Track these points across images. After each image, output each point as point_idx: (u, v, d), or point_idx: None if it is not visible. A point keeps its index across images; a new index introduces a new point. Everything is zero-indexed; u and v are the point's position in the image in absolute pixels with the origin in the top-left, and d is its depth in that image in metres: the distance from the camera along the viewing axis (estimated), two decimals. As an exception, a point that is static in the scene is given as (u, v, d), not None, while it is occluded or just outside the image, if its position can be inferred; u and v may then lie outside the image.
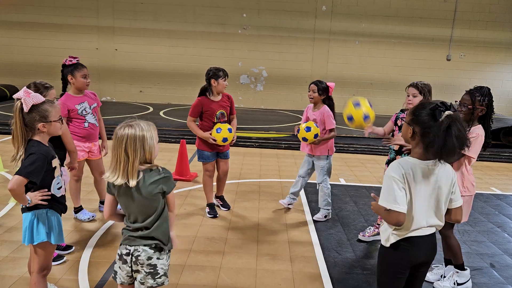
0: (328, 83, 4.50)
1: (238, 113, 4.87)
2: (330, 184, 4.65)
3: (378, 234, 4.16)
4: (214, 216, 4.62)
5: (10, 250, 3.60)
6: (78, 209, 4.33)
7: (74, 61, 4.07)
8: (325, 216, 4.63)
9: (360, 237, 4.19)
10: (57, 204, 2.59)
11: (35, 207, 2.51)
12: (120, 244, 2.25)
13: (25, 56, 14.02)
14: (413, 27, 13.72)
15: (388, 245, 2.19)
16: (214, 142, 4.34)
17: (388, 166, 3.90)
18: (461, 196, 3.08)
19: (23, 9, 13.79)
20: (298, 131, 4.42)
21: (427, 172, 2.10)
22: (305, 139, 4.37)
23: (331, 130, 4.48)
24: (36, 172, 2.39)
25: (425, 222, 2.15)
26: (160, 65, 14.13)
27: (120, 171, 2.09)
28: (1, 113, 10.00)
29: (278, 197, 5.38)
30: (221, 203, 4.90)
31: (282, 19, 13.84)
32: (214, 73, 4.39)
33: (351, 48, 14.02)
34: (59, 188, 2.61)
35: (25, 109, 2.41)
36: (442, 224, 2.20)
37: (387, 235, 2.20)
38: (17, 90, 13.22)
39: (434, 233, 2.24)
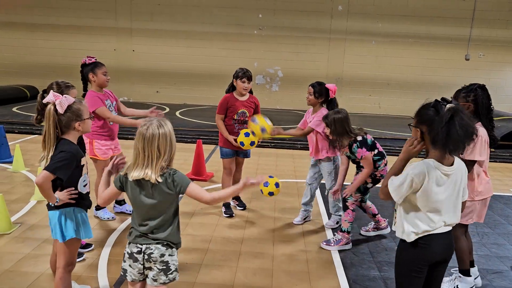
0: (327, 85, 4.25)
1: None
2: (346, 184, 4.61)
3: (379, 228, 4.24)
4: (230, 215, 4.65)
5: (32, 247, 3.69)
6: (99, 207, 4.41)
7: (93, 59, 4.18)
8: (337, 222, 4.45)
9: (363, 232, 4.25)
10: (83, 201, 2.65)
11: (62, 205, 2.58)
12: (129, 243, 2.26)
13: (45, 58, 14.31)
14: (431, 27, 13.55)
15: (406, 238, 2.19)
16: (241, 146, 4.24)
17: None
18: (473, 201, 3.05)
19: (44, 11, 14.08)
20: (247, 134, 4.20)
21: (447, 173, 2.11)
22: (242, 144, 4.20)
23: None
24: (63, 168, 2.46)
25: (443, 222, 2.16)
26: (176, 65, 14.25)
27: (150, 167, 2.12)
28: (22, 113, 10.22)
29: (294, 198, 5.39)
30: (237, 202, 4.94)
31: (298, 19, 13.82)
32: (236, 73, 4.54)
33: (367, 48, 13.92)
34: (85, 186, 2.68)
35: (61, 111, 2.49)
36: (459, 220, 2.22)
37: (404, 229, 2.20)
38: (37, 91, 13.54)
39: (451, 231, 2.23)
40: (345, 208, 3.95)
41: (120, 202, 4.56)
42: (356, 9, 13.71)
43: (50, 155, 2.52)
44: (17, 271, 3.28)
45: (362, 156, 3.73)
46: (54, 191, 2.54)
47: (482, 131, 2.98)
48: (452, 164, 2.14)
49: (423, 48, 13.74)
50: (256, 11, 13.91)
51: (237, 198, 4.95)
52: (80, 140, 3.47)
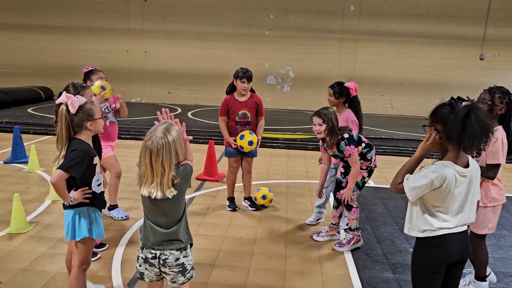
0: (347, 84, 4.19)
1: (265, 113, 4.89)
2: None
3: (333, 234, 4.13)
4: (234, 209, 4.78)
5: (47, 246, 3.73)
6: (113, 207, 4.46)
7: (92, 68, 4.31)
8: (318, 219, 4.58)
9: (315, 237, 4.14)
10: (97, 201, 2.68)
11: (77, 204, 2.61)
12: (142, 248, 2.24)
13: (59, 59, 14.49)
14: (444, 26, 13.39)
15: (415, 234, 2.19)
16: (241, 149, 4.52)
17: (341, 163, 3.97)
18: (486, 207, 2.99)
19: (58, 14, 14.26)
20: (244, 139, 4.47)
21: (464, 174, 2.09)
22: (241, 147, 4.48)
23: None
24: (76, 166, 2.50)
25: (459, 221, 2.14)
26: (188, 66, 14.32)
27: (160, 184, 2.06)
28: (37, 114, 10.36)
29: (306, 198, 5.37)
30: (249, 203, 4.93)
31: (309, 20, 13.77)
32: (236, 72, 4.55)
33: (380, 48, 13.82)
34: (98, 185, 2.71)
35: (73, 111, 2.54)
36: (474, 219, 2.21)
37: (416, 225, 2.19)
38: (51, 92, 13.73)
39: (466, 230, 2.22)
40: (349, 207, 3.90)
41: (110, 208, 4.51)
42: (368, 8, 13.62)
43: (62, 154, 2.56)
44: (33, 270, 3.32)
45: (350, 154, 3.70)
46: (69, 191, 2.57)
47: (503, 135, 2.93)
48: (467, 165, 2.12)
49: (436, 47, 13.58)
50: (267, 11, 13.90)
51: (249, 199, 4.96)
52: (96, 140, 3.52)
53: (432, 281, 2.20)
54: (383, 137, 9.11)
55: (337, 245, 3.95)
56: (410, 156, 2.25)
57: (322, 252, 3.87)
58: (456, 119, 1.98)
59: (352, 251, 3.89)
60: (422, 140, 2.20)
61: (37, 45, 14.50)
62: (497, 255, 3.93)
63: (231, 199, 4.90)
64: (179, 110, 12.24)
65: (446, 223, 2.13)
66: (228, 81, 4.81)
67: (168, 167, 2.05)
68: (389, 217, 4.84)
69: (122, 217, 4.42)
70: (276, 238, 4.15)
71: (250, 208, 4.89)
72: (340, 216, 4.13)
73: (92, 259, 3.48)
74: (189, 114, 11.49)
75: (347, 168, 3.93)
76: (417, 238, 2.22)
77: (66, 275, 3.17)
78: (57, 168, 2.50)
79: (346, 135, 3.73)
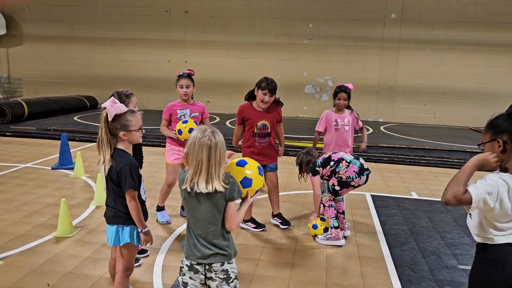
0: (348, 85, 4.66)
1: (302, 123, 4.92)
2: (399, 197, 4.49)
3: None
4: (263, 229, 4.49)
5: (91, 250, 3.83)
6: (160, 208, 4.58)
7: (181, 73, 4.51)
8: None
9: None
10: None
11: (119, 222, 2.65)
12: (186, 256, 2.23)
13: (104, 69, 15.07)
14: (492, 33, 12.87)
15: (482, 236, 2.01)
16: (179, 134, 4.25)
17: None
18: None
19: (103, 26, 14.88)
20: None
21: None
22: (179, 132, 4.24)
23: (361, 129, 4.86)
24: (136, 180, 2.58)
25: None
26: (227, 76, 14.50)
27: (216, 178, 2.10)
28: (82, 122, 10.78)
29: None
30: (280, 221, 4.57)
31: (349, 28, 13.63)
32: (259, 81, 4.25)
33: (422, 56, 13.45)
34: (144, 193, 2.76)
35: (110, 118, 2.58)
36: None
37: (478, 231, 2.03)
38: (96, 101, 14.28)
39: None
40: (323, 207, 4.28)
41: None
42: (410, 16, 13.31)
43: (104, 159, 2.59)
44: (78, 273, 3.41)
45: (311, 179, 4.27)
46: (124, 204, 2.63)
47: None
48: None
49: (482, 55, 13.06)
50: (306, 21, 13.88)
51: (279, 216, 4.59)
52: (137, 149, 3.60)
53: None
54: (426, 147, 8.81)
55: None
56: (456, 168, 2.11)
57: (364, 265, 3.75)
58: None
59: (396, 266, 3.74)
60: (471, 152, 2.06)
61: (84, 56, 15.16)
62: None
63: (253, 221, 4.51)
64: (218, 119, 12.38)
65: (505, 232, 1.95)
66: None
67: (222, 162, 2.13)
68: (434, 231, 4.64)
69: (163, 222, 4.49)
70: (316, 248, 4.07)
71: (281, 226, 4.54)
72: (341, 213, 4.34)
73: (134, 265, 3.54)
74: (227, 123, 11.59)
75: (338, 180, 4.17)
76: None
77: (109, 280, 3.23)
78: (126, 192, 2.55)
79: (311, 165, 4.28)
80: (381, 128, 12.11)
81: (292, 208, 5.25)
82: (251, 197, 2.31)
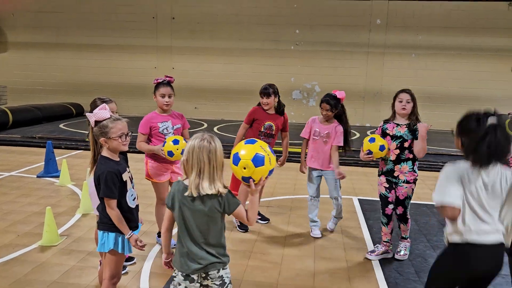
0: (338, 93, 4.36)
1: (290, 128, 4.95)
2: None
3: (386, 252, 4.01)
4: (246, 230, 4.64)
5: (77, 259, 3.79)
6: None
7: (159, 80, 4.03)
8: (336, 224, 4.65)
9: (368, 256, 4.00)
10: (128, 224, 2.65)
11: (107, 228, 2.63)
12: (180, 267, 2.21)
13: (90, 76, 14.97)
14: (475, 38, 13.13)
15: (450, 239, 2.19)
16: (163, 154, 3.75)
17: (382, 177, 3.92)
18: None
19: (89, 32, 14.80)
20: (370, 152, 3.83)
21: (480, 176, 2.09)
22: (370, 152, 3.83)
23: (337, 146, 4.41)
24: (112, 188, 2.54)
25: (479, 228, 2.10)
26: (214, 82, 14.52)
27: (218, 180, 2.13)
28: (68, 130, 10.67)
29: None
30: (259, 217, 4.90)
31: (335, 34, 13.78)
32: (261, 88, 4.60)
33: (407, 61, 13.66)
34: (133, 199, 2.73)
35: (92, 124, 2.63)
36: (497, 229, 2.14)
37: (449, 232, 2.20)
38: (82, 108, 14.15)
39: (501, 244, 2.13)
40: (406, 220, 3.92)
41: None
42: (395, 22, 13.52)
43: (91, 163, 2.65)
44: (64, 283, 3.37)
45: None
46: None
47: None
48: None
49: (466, 60, 13.31)
50: (293, 26, 13.99)
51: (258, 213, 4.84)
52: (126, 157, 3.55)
53: None
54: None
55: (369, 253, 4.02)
56: (440, 171, 2.21)
57: (351, 268, 3.78)
58: (483, 136, 2.03)
59: (383, 270, 3.77)
60: (453, 155, 2.21)
61: (70, 63, 15.05)
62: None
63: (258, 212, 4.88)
64: (205, 125, 12.38)
65: (469, 230, 2.11)
66: (254, 96, 4.87)
67: (221, 166, 2.15)
68: (420, 233, 4.69)
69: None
70: (304, 253, 4.08)
71: (261, 222, 4.87)
72: (391, 232, 4.02)
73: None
74: (215, 129, 11.59)
75: (398, 156, 3.77)
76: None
77: (96, 288, 3.20)
78: (100, 197, 2.57)
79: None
80: (368, 132, 12.21)
81: (280, 212, 5.27)
82: (264, 179, 2.17)
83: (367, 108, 14.05)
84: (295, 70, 14.15)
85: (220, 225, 2.22)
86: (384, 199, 3.94)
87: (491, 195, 2.10)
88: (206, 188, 2.10)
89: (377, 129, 4.00)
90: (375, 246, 4.14)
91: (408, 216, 3.92)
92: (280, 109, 4.66)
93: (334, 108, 4.34)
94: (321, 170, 4.47)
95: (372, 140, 3.80)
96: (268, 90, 4.53)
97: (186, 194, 2.14)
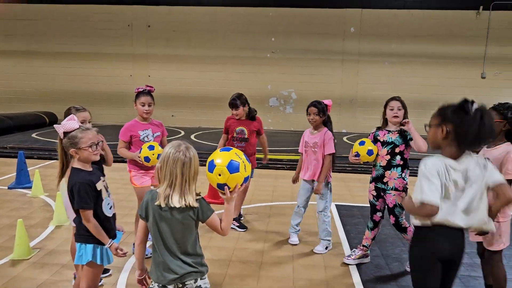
0: (325, 101, 4.28)
1: (268, 135, 5.05)
2: (363, 206, 4.54)
3: (364, 256, 4.03)
4: (245, 228, 4.88)
5: (50, 273, 3.68)
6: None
7: (140, 89, 4.09)
8: (326, 248, 4.33)
9: (345, 260, 4.03)
10: (107, 233, 2.61)
11: (84, 240, 2.57)
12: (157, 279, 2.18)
13: (64, 84, 14.68)
14: (445, 46, 13.53)
15: (415, 223, 2.25)
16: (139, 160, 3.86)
17: (371, 185, 3.91)
18: (497, 222, 2.95)
19: (63, 40, 14.53)
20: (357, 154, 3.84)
21: (459, 169, 2.14)
22: (357, 155, 3.83)
23: (329, 155, 4.22)
24: (86, 199, 2.49)
25: (452, 218, 2.15)
26: (191, 89, 14.46)
27: (188, 192, 2.11)
28: (41, 139, 10.41)
29: (313, 220, 5.30)
30: (237, 224, 4.89)
31: (310, 42, 13.96)
32: None
33: (381, 69, 13.94)
34: (110, 208, 2.68)
35: (60, 135, 2.58)
36: (472, 224, 2.20)
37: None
38: (55, 117, 13.84)
39: (462, 229, 2.21)
40: (405, 229, 3.81)
41: None
42: (368, 30, 13.80)
43: (60, 176, 2.62)
44: (36, 297, 3.26)
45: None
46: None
47: None
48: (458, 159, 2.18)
49: (438, 67, 13.69)
50: (269, 34, 14.10)
51: (236, 219, 4.93)
52: (100, 164, 3.49)
53: (429, 279, 2.24)
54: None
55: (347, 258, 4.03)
56: (416, 175, 2.24)
57: (329, 276, 3.79)
58: (474, 123, 2.06)
59: (361, 274, 3.81)
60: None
61: (43, 71, 14.72)
62: (509, 276, 3.83)
63: (237, 219, 4.95)
64: (183, 133, 12.29)
65: (440, 217, 2.15)
66: (231, 104, 4.87)
67: (195, 178, 2.15)
68: (397, 238, 4.76)
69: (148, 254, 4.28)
70: (283, 261, 4.08)
71: (238, 229, 4.84)
72: (373, 239, 4.03)
73: (96, 285, 3.43)
74: (192, 137, 11.52)
75: (389, 162, 3.75)
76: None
77: (70, 302, 3.11)
78: (75, 211, 2.52)
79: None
80: (344, 138, 12.37)
81: (259, 220, 5.26)
82: (239, 187, 2.17)
83: (343, 115, 14.24)
84: (271, 77, 14.24)
85: (195, 234, 2.20)
86: (372, 206, 3.96)
87: (467, 183, 2.15)
88: (176, 202, 2.08)
89: (369, 135, 3.99)
90: (352, 250, 4.17)
91: (405, 225, 3.77)
92: (250, 115, 4.84)
93: (322, 113, 4.21)
94: (312, 181, 4.33)
95: (362, 143, 3.83)
96: (235, 102, 4.72)
97: (156, 203, 2.12)
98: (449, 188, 2.13)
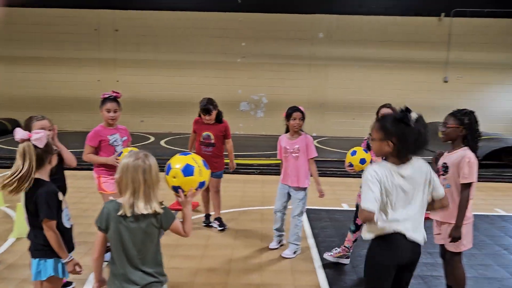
0: (301, 108, 4.32)
1: (239, 139, 4.99)
2: (331, 209, 4.60)
3: (344, 256, 4.13)
4: (224, 228, 5.02)
5: (10, 287, 3.54)
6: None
7: (107, 95, 4.12)
8: (295, 252, 4.34)
9: (326, 256, 4.16)
10: (66, 245, 2.53)
11: (42, 255, 2.49)
12: None
13: (27, 90, 14.23)
14: (409, 51, 13.93)
15: (367, 237, 2.35)
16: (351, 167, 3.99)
17: (360, 189, 3.96)
18: (449, 223, 3.05)
19: (25, 45, 14.08)
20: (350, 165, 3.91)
21: (403, 174, 2.24)
22: (351, 165, 3.93)
23: (313, 159, 4.31)
24: (53, 209, 2.45)
25: (402, 221, 2.25)
26: (161, 94, 14.30)
27: (153, 199, 2.12)
28: (3, 148, 10.04)
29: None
30: (218, 223, 5.07)
31: (279, 47, 14.09)
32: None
33: (349, 73, 14.22)
34: (68, 219, 2.62)
35: (41, 146, 2.48)
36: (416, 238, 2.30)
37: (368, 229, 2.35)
38: (18, 124, 13.37)
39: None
40: None
41: None
42: (336, 36, 14.05)
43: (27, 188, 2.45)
44: (-7, 314, 3.14)
45: None
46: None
47: (471, 155, 3.02)
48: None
49: (403, 71, 14.08)
50: (239, 39, 14.14)
51: (218, 219, 5.08)
52: (60, 175, 3.40)
53: (381, 283, 2.33)
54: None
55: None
56: None
57: (298, 280, 3.82)
58: (414, 133, 2.19)
59: (328, 277, 3.85)
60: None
61: (4, 76, 14.23)
62: (468, 275, 3.95)
63: (219, 218, 5.10)
64: (152, 139, 12.13)
65: (392, 225, 2.25)
66: (201, 109, 4.90)
67: (157, 184, 2.15)
68: (363, 240, 4.83)
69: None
70: (250, 267, 4.07)
71: (218, 228, 5.01)
72: (355, 241, 4.10)
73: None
74: (162, 143, 11.38)
75: None
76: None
77: (29, 318, 3.00)
78: (42, 221, 2.41)
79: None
80: (314, 142, 12.51)
81: (227, 226, 5.24)
82: (194, 191, 2.25)
83: (313, 119, 14.37)
84: (242, 82, 14.27)
85: (156, 243, 2.19)
86: (358, 208, 4.00)
87: (412, 188, 2.25)
88: (142, 208, 2.08)
89: (362, 142, 4.04)
90: (334, 248, 4.23)
91: None
92: (218, 118, 4.88)
93: (303, 118, 4.25)
94: (289, 186, 4.35)
95: (354, 153, 3.90)
96: (209, 107, 4.75)
97: (119, 213, 2.08)
98: (394, 193, 2.22)
